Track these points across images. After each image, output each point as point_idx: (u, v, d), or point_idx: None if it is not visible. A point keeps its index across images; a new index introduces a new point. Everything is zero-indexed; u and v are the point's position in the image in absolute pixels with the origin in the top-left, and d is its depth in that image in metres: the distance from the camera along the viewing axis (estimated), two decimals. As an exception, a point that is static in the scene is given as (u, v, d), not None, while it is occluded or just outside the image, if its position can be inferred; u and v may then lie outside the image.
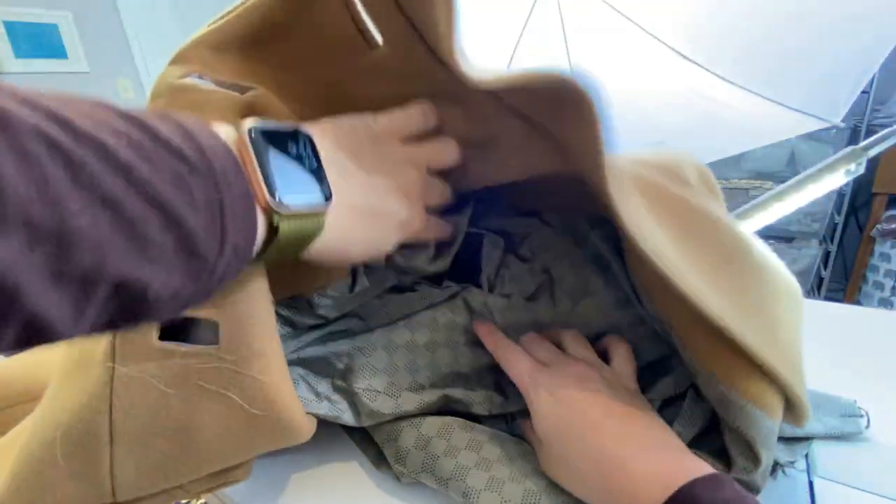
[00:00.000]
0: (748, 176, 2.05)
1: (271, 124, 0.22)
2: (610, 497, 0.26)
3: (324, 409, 0.33)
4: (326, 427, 0.34)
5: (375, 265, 0.38)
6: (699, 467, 0.24)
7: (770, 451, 0.27)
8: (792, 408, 0.27)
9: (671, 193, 0.29)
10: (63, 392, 0.27)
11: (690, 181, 0.31)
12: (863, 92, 1.15)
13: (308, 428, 0.30)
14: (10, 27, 2.50)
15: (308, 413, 0.30)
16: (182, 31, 3.24)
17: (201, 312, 0.26)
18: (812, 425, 0.35)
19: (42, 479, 0.25)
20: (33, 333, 0.15)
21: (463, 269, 0.39)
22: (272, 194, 0.21)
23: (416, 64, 0.27)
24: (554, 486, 0.30)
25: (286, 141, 0.23)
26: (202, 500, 0.43)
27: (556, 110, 0.25)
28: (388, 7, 0.25)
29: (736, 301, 0.26)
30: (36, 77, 2.60)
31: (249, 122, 0.22)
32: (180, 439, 0.26)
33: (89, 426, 0.25)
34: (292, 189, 0.22)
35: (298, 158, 0.23)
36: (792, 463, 0.32)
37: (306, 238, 0.24)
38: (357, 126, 0.28)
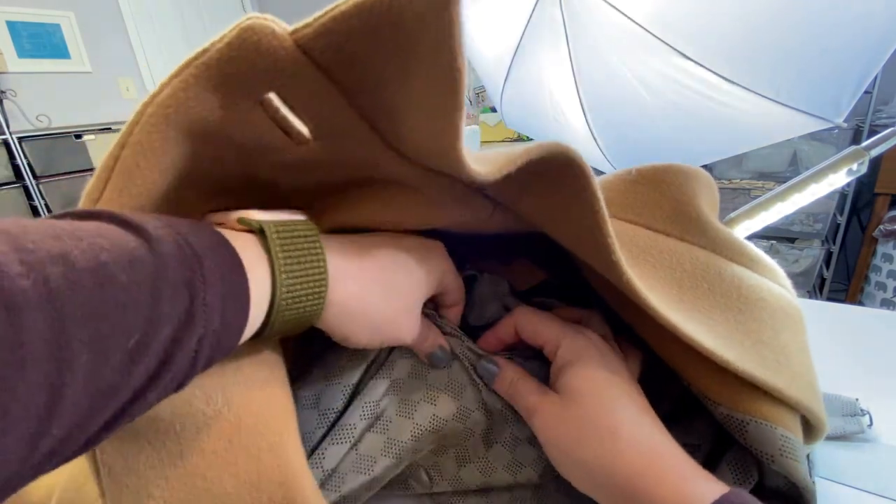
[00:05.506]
0: (750, 176, 2.05)
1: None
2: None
3: None
4: None
5: None
6: (716, 485, 0.23)
7: (801, 465, 0.25)
8: (812, 429, 0.26)
9: (658, 243, 0.30)
10: None
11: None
12: (865, 92, 1.15)
13: None
14: (13, 27, 2.51)
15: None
16: (184, 32, 3.26)
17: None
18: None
19: None
20: None
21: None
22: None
23: (362, 154, 0.26)
24: None
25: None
26: None
27: (554, 185, 0.25)
28: (328, 101, 0.23)
29: (740, 341, 0.26)
30: (38, 77, 2.61)
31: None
32: None
33: None
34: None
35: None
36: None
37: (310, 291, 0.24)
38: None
